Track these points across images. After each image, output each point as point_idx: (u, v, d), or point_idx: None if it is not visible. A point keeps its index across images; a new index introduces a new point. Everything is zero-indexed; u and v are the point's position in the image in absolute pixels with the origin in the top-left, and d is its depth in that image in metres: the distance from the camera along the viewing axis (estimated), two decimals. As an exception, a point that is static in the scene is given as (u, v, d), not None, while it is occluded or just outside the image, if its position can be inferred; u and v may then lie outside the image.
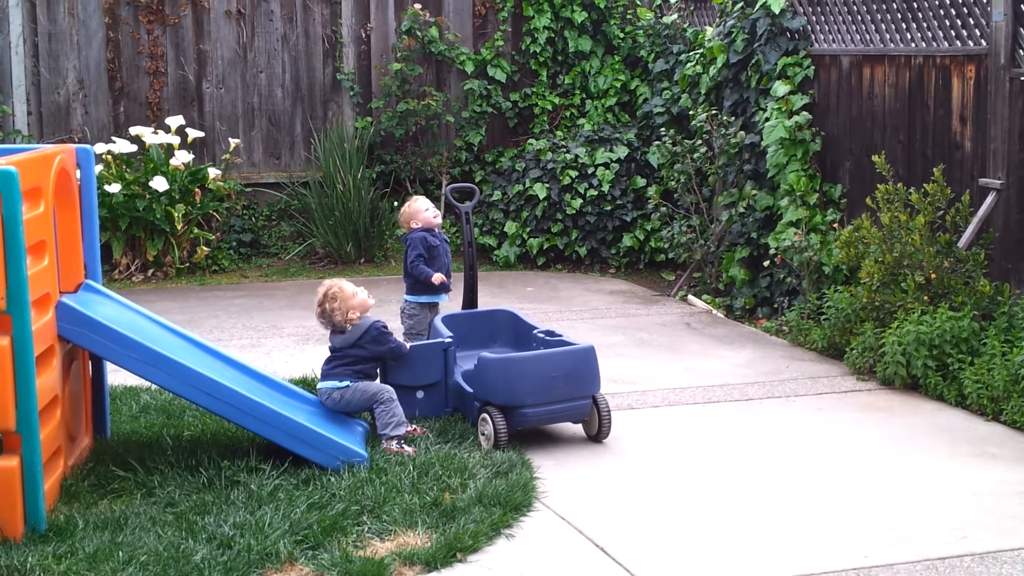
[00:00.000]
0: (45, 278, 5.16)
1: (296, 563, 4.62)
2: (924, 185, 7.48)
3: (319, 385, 5.99)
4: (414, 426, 6.12)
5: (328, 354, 6.09)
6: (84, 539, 4.74)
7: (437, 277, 6.92)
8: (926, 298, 7.21)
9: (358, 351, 5.98)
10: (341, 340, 6.02)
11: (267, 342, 8.28)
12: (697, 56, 10.17)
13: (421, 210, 7.09)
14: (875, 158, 7.78)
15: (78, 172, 5.81)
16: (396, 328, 7.35)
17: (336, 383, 5.92)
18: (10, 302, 4.70)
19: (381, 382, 6.23)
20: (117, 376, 6.61)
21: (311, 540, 4.77)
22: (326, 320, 6.03)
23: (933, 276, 7.23)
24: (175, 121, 10.64)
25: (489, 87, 11.76)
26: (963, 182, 7.55)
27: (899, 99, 8.16)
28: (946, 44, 7.71)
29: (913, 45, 7.99)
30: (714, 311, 9.29)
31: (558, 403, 6.03)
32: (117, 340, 5.36)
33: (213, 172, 10.62)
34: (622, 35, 11.86)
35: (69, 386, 5.52)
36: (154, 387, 6.59)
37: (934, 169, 7.45)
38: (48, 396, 5.07)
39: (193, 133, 10.78)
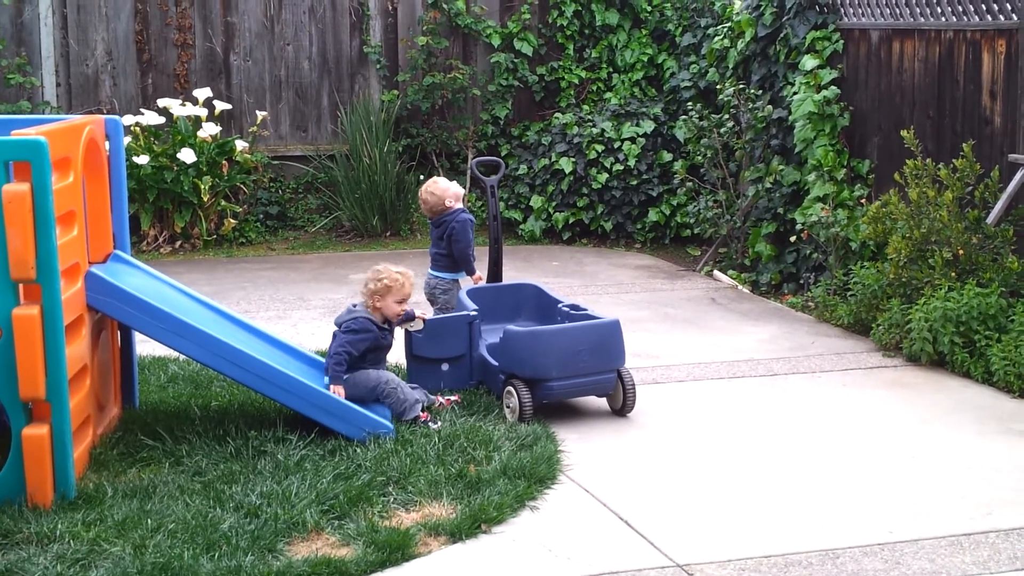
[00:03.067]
0: (74, 248, 5.20)
1: (322, 532, 4.65)
2: (953, 161, 7.43)
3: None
4: (442, 398, 6.13)
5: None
6: (113, 507, 4.80)
7: (477, 277, 6.98)
8: (953, 274, 7.18)
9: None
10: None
11: (294, 314, 8.32)
12: (725, 30, 10.11)
13: (451, 187, 6.98)
14: (904, 133, 7.73)
15: (107, 143, 5.84)
16: (419, 302, 7.36)
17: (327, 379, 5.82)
18: (40, 271, 4.73)
19: (406, 354, 6.27)
20: (145, 347, 6.66)
21: (337, 510, 4.81)
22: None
23: (961, 252, 7.19)
24: (203, 93, 10.67)
25: (515, 60, 11.73)
26: (992, 158, 7.50)
27: (929, 74, 8.09)
28: (977, 18, 7.65)
29: (943, 19, 7.92)
30: (739, 286, 9.28)
31: (583, 377, 6.05)
32: (145, 310, 5.40)
33: (240, 144, 10.65)
34: (649, 8, 11.79)
35: (98, 356, 5.57)
36: (182, 358, 6.64)
37: (963, 144, 7.39)
38: (77, 365, 5.12)
39: (220, 105, 10.81)
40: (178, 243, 10.54)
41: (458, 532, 4.70)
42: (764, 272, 9.24)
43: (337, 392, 5.65)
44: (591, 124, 11.08)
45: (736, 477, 5.37)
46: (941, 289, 7.06)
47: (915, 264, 7.41)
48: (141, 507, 4.80)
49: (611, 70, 11.91)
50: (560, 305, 6.55)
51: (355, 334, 5.84)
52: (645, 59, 11.77)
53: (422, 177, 11.17)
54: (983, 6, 7.58)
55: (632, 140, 10.93)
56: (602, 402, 6.31)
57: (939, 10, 7.96)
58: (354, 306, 6.00)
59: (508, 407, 6.02)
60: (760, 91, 9.51)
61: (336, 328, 5.95)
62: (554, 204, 11.02)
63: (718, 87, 9.97)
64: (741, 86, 9.57)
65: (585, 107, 11.57)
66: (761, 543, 4.67)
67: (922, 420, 6.15)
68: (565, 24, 11.79)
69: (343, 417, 5.53)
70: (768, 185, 9.26)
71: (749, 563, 4.50)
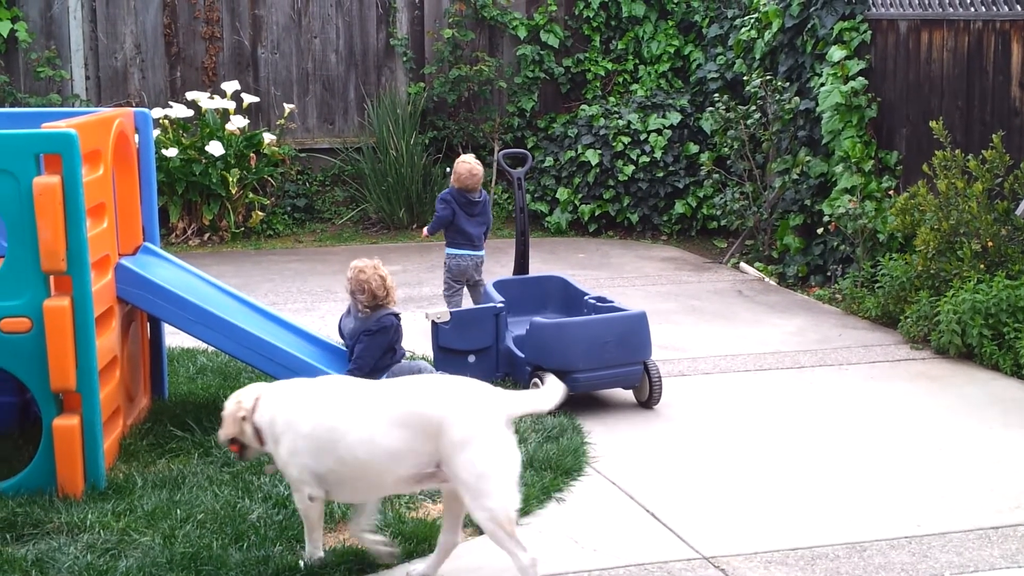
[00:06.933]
0: (104, 240, 5.24)
1: (349, 523, 4.67)
2: (982, 152, 7.39)
3: None
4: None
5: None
6: (143, 497, 4.84)
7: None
8: (982, 266, 7.14)
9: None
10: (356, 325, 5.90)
11: (321, 306, 8.35)
12: (752, 21, 10.07)
13: None
14: (932, 124, 7.69)
15: (136, 136, 5.87)
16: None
17: None
18: (71, 263, 4.77)
19: (433, 345, 6.29)
20: (175, 338, 6.70)
21: (364, 501, 4.83)
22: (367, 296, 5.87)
23: (990, 244, 7.15)
24: (230, 86, 10.72)
25: (542, 52, 11.72)
26: (1022, 149, 7.45)
27: (957, 64, 8.04)
28: (1006, 8, 7.59)
29: (972, 9, 7.87)
30: (766, 279, 9.25)
31: (609, 369, 6.05)
32: (175, 302, 5.44)
33: (268, 137, 10.69)
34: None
35: (128, 347, 5.61)
36: (211, 349, 6.68)
37: (992, 136, 7.35)
38: (107, 356, 5.16)
39: (248, 98, 10.85)
40: (206, 235, 10.59)
41: (485, 523, 4.71)
42: (791, 264, 9.21)
43: None
44: (617, 116, 11.07)
45: (762, 470, 5.36)
46: (970, 281, 7.02)
47: (943, 256, 7.37)
48: (170, 497, 4.84)
49: (637, 62, 11.88)
50: (586, 297, 6.55)
51: (379, 336, 5.79)
52: (671, 51, 11.74)
53: (448, 170, 11.19)
54: (1013, -4, 7.54)
55: (658, 132, 10.91)
56: (628, 394, 6.31)
57: (968, 0, 7.90)
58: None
59: (534, 399, 6.02)
60: (787, 82, 9.47)
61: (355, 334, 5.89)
62: (580, 196, 11.01)
63: (745, 78, 9.94)
64: (768, 77, 9.54)
65: (611, 99, 11.55)
66: (787, 536, 4.67)
67: (950, 412, 6.13)
68: (591, 16, 11.78)
69: (370, 408, 5.54)
70: (795, 177, 9.23)
71: (776, 556, 4.50)
